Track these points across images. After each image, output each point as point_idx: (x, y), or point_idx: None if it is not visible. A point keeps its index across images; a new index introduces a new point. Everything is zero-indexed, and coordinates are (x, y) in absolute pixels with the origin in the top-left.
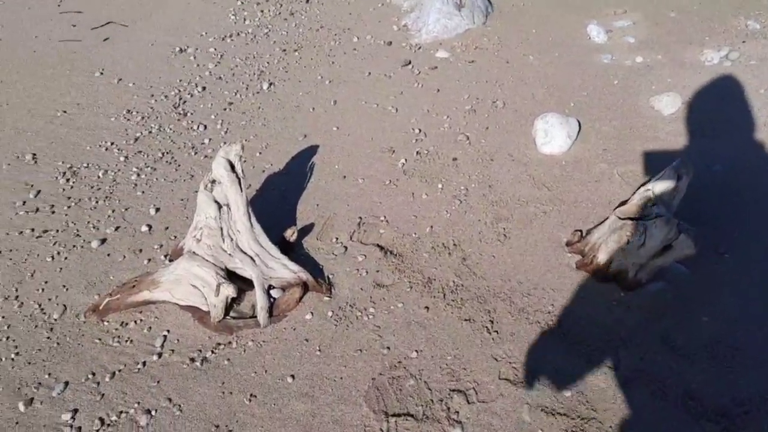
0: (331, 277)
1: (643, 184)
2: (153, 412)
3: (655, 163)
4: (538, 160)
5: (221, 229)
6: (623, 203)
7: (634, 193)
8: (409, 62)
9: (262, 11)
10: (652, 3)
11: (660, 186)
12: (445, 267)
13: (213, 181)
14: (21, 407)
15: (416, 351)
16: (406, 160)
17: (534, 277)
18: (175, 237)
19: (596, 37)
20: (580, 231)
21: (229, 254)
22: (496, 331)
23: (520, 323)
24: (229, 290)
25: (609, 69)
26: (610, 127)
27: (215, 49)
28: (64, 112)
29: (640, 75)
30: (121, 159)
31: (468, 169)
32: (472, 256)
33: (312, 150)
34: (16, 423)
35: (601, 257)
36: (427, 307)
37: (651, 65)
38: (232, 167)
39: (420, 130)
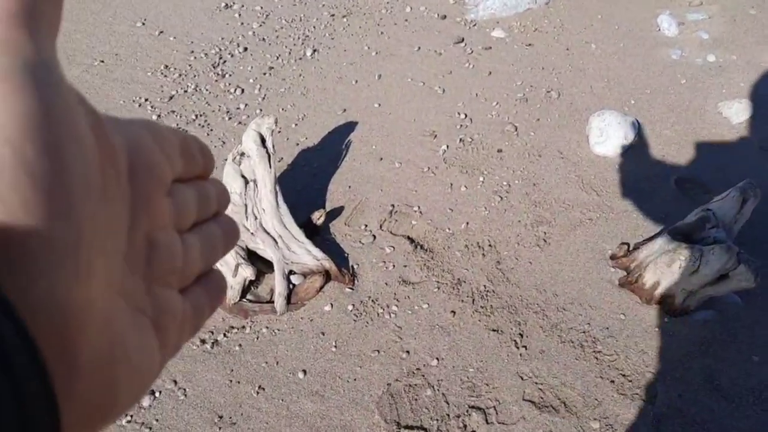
0: (355, 267)
1: (704, 206)
2: (157, 394)
3: (718, 178)
4: (589, 161)
5: (245, 206)
6: (679, 224)
7: (693, 212)
8: (462, 40)
9: None
10: None
11: (722, 208)
12: (477, 269)
13: (242, 154)
14: None
15: (437, 359)
16: (447, 146)
17: (572, 290)
18: None
19: (667, 29)
20: (627, 245)
21: (252, 233)
22: (525, 347)
23: (552, 340)
24: (247, 272)
25: (677, 66)
26: (671, 131)
27: (261, 8)
28: (102, 61)
29: (711, 76)
30: (153, 117)
31: (513, 163)
32: (508, 260)
33: (350, 126)
34: None
35: (648, 278)
36: (453, 312)
37: (724, 66)
38: (263, 141)
39: (466, 116)
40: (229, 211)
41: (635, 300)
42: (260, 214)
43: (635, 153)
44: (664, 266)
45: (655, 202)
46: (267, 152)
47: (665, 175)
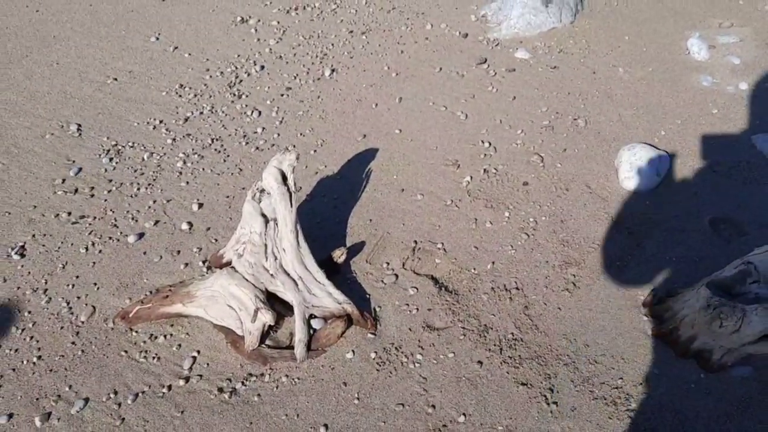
0: (377, 310)
1: (744, 258)
2: None
3: (754, 219)
4: (619, 196)
5: (265, 245)
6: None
7: (733, 264)
8: (485, 60)
9: None
10: (764, 18)
11: (764, 261)
12: (505, 315)
13: (262, 191)
14: (37, 422)
15: (464, 414)
16: (471, 177)
17: (603, 340)
18: (216, 240)
19: (697, 53)
20: (658, 291)
21: (271, 275)
22: (555, 403)
23: (584, 396)
24: (267, 317)
25: (708, 94)
26: (704, 167)
27: (278, 23)
28: (115, 79)
29: (743, 105)
30: (168, 141)
31: (539, 197)
32: (536, 306)
33: (370, 154)
34: None
35: (684, 331)
36: (480, 362)
37: (757, 95)
38: (284, 178)
39: (490, 144)
40: (249, 251)
41: (669, 352)
42: (280, 254)
43: (667, 189)
44: (703, 323)
45: (689, 244)
46: (288, 190)
47: (698, 214)
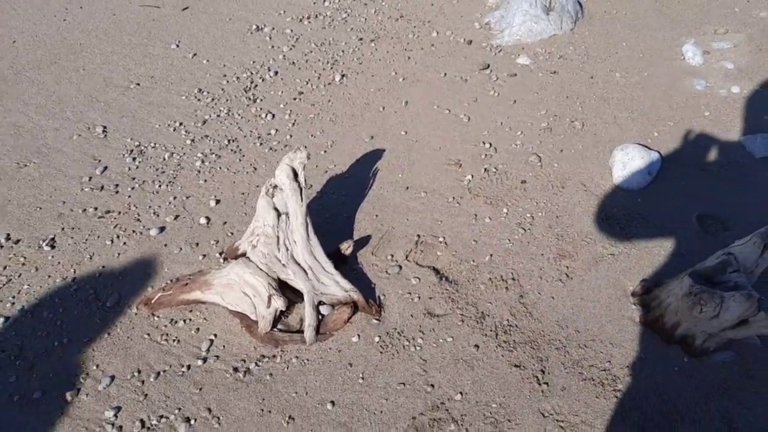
0: (382, 298)
1: (725, 250)
2: (192, 422)
3: (739, 215)
4: (612, 194)
5: (278, 237)
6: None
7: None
8: (488, 66)
9: None
10: (758, 25)
11: (743, 252)
12: (501, 303)
13: (275, 187)
14: (68, 397)
15: (461, 393)
16: (472, 176)
17: (593, 327)
18: (232, 234)
19: (691, 58)
20: (647, 282)
21: (283, 264)
22: (546, 383)
23: (573, 378)
24: (279, 303)
25: (701, 98)
26: (694, 166)
27: (291, 31)
28: (138, 84)
29: (735, 108)
30: (188, 142)
31: (536, 194)
32: (530, 294)
33: (377, 154)
34: (62, 414)
35: (669, 319)
36: (477, 346)
37: (749, 98)
38: (295, 175)
39: (491, 145)
40: (262, 242)
41: (655, 339)
42: (292, 245)
43: (658, 187)
44: (685, 309)
45: (677, 239)
46: (299, 186)
47: (687, 211)
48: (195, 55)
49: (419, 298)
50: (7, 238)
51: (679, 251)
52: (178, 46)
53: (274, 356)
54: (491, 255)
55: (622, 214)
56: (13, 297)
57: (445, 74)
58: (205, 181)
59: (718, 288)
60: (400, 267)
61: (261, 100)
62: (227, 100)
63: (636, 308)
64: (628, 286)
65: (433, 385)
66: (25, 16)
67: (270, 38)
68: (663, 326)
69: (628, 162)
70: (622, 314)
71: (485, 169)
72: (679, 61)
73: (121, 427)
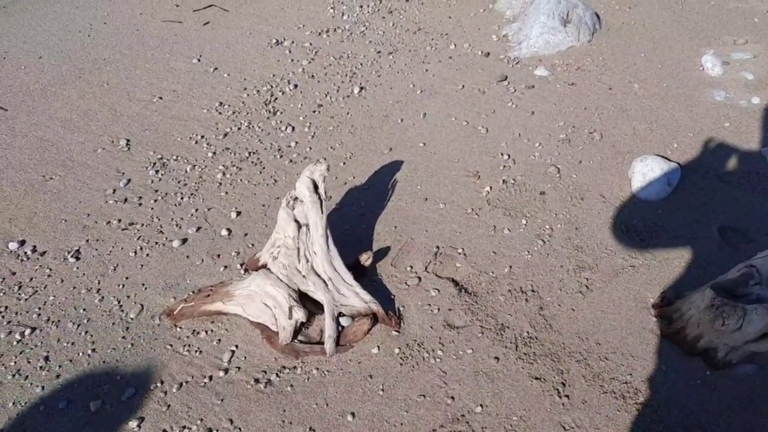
0: (401, 309)
1: (747, 262)
2: None
3: (760, 227)
4: (632, 205)
5: (298, 249)
6: (722, 279)
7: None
8: (506, 78)
9: (360, 6)
10: None
11: (765, 264)
12: (521, 315)
13: (295, 199)
14: (92, 407)
15: (481, 405)
16: (491, 188)
17: (614, 339)
18: (253, 245)
19: (711, 69)
20: (667, 294)
21: (303, 276)
22: (567, 396)
23: (594, 390)
24: (299, 314)
25: (720, 108)
26: (714, 177)
27: (310, 44)
28: (160, 98)
29: (755, 119)
30: (209, 155)
31: (555, 206)
32: (550, 307)
33: (396, 165)
34: (86, 423)
35: (690, 331)
36: (497, 358)
37: None
38: (316, 187)
39: (509, 156)
40: (283, 254)
41: (677, 351)
42: (312, 257)
43: (678, 198)
44: (707, 322)
45: (698, 250)
46: (319, 198)
47: (708, 222)
48: (216, 69)
49: (439, 309)
50: (33, 249)
51: (699, 263)
52: (199, 60)
53: (295, 367)
54: (510, 266)
55: (642, 225)
56: (39, 308)
57: (463, 86)
58: (227, 193)
59: (740, 301)
60: (420, 278)
61: (281, 112)
62: (248, 113)
63: (657, 320)
64: (648, 298)
65: (453, 398)
66: (51, 32)
67: (289, 52)
68: (685, 338)
69: (647, 173)
70: (643, 326)
71: (504, 180)
72: (698, 71)
73: None
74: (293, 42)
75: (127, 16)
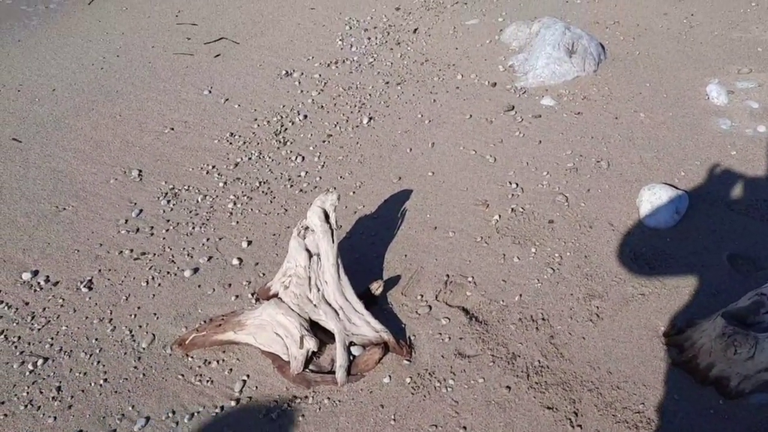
0: (412, 338)
1: (758, 290)
2: None
3: None
4: (640, 233)
5: (309, 278)
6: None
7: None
8: (513, 108)
9: (368, 38)
10: None
11: None
12: (532, 343)
13: (306, 228)
14: None
15: None
16: (500, 216)
17: (626, 368)
18: (264, 275)
19: (716, 98)
20: (678, 322)
21: (315, 305)
22: (580, 426)
23: (607, 420)
24: (311, 344)
25: (727, 137)
26: (722, 205)
27: (320, 75)
28: (172, 129)
29: (761, 147)
30: (221, 185)
31: (564, 234)
32: (561, 335)
33: (405, 194)
34: None
35: (702, 360)
36: (508, 387)
37: None
38: (327, 217)
39: (517, 185)
40: (294, 283)
41: (689, 380)
42: (323, 286)
43: (687, 226)
44: (719, 350)
45: (707, 278)
46: (330, 227)
47: (717, 250)
48: (227, 100)
49: (449, 338)
50: (47, 280)
51: (710, 291)
52: (210, 91)
53: (306, 397)
54: (520, 295)
55: (651, 253)
56: (52, 338)
57: (471, 116)
58: (237, 222)
59: (752, 329)
60: (430, 307)
61: (291, 142)
62: (258, 144)
63: (668, 349)
64: (659, 326)
65: (465, 427)
66: (65, 65)
67: (299, 83)
68: (697, 367)
69: (655, 201)
70: (655, 355)
71: (512, 209)
72: (703, 100)
73: None
74: (303, 73)
75: (139, 49)
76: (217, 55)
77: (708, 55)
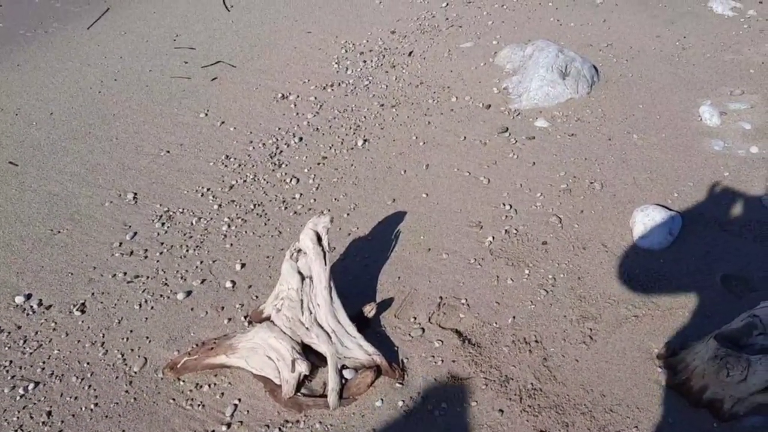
0: (405, 361)
1: (750, 312)
2: None
3: (764, 276)
4: (634, 255)
5: (301, 301)
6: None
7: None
8: (506, 129)
9: (364, 61)
10: None
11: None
12: (525, 366)
13: (299, 251)
14: None
15: None
16: (493, 238)
17: (619, 390)
18: (257, 297)
19: (708, 119)
20: (672, 345)
21: (307, 328)
22: None
23: None
24: (302, 367)
25: (719, 158)
26: (715, 226)
27: (315, 98)
28: (168, 152)
29: (754, 168)
30: (215, 207)
31: (557, 255)
32: (554, 357)
33: (399, 216)
34: None
35: (696, 382)
36: (501, 410)
37: (767, 158)
38: (319, 239)
39: (511, 206)
40: (286, 306)
41: (683, 402)
42: (315, 309)
43: (680, 247)
44: (712, 373)
45: (701, 299)
46: (323, 250)
47: (710, 271)
48: (223, 123)
49: (442, 361)
50: (40, 303)
51: (703, 312)
52: (206, 114)
53: (298, 421)
54: (514, 317)
55: (644, 275)
56: (43, 362)
57: (465, 138)
58: (231, 245)
59: (744, 351)
60: (423, 329)
61: (286, 165)
62: (253, 166)
63: (662, 371)
64: (653, 348)
65: None
66: (63, 89)
67: (295, 105)
68: (690, 390)
69: (648, 223)
70: (648, 377)
71: (506, 230)
72: (696, 122)
73: None
74: (298, 96)
75: (137, 73)
76: (214, 79)
77: (700, 76)
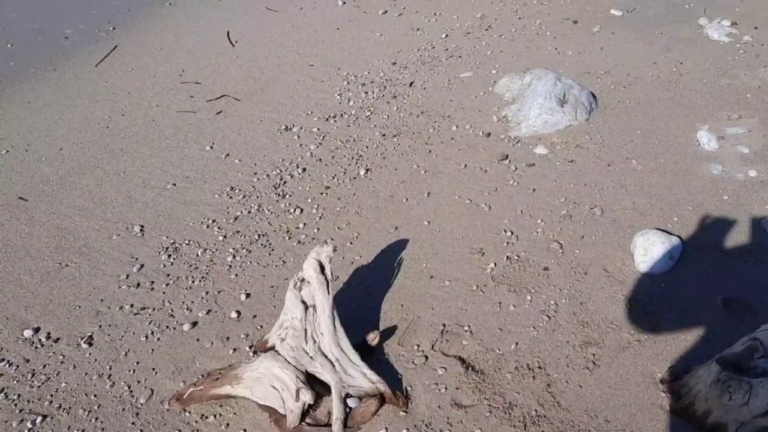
0: (409, 389)
1: (751, 335)
2: None
3: (765, 299)
4: (635, 279)
5: (305, 330)
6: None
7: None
8: (506, 157)
9: (366, 93)
10: None
11: None
12: (528, 392)
13: (302, 280)
14: None
15: None
16: (495, 264)
17: (623, 416)
18: (262, 327)
19: (706, 144)
20: (675, 369)
21: (311, 357)
22: None
23: None
24: (307, 397)
25: (718, 182)
26: (716, 250)
27: (318, 129)
28: (174, 184)
29: (754, 191)
30: (220, 238)
31: (559, 281)
32: (558, 383)
33: (401, 244)
34: None
35: (699, 407)
36: None
37: (766, 181)
38: (322, 268)
39: (512, 233)
40: (290, 335)
41: (687, 427)
42: (319, 338)
43: (681, 272)
44: (715, 397)
45: (703, 323)
46: (326, 279)
47: (711, 295)
48: (228, 155)
49: (446, 388)
50: (48, 336)
51: (706, 336)
52: (212, 147)
53: None
54: (517, 343)
55: (646, 299)
56: (51, 395)
57: (466, 166)
58: (236, 275)
59: (746, 374)
60: (426, 357)
61: (290, 195)
62: (257, 197)
63: (665, 396)
64: (656, 373)
65: None
66: (72, 125)
67: (298, 137)
68: (694, 414)
69: (649, 247)
70: (652, 402)
71: (507, 257)
72: (694, 146)
73: None
74: (302, 128)
75: (144, 108)
76: (219, 112)
77: (698, 102)
